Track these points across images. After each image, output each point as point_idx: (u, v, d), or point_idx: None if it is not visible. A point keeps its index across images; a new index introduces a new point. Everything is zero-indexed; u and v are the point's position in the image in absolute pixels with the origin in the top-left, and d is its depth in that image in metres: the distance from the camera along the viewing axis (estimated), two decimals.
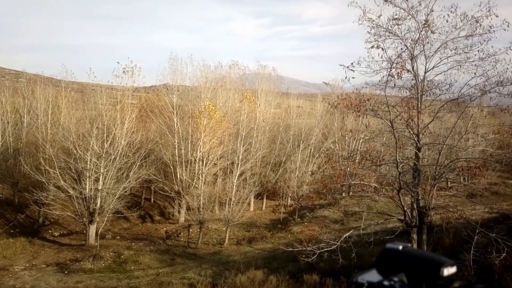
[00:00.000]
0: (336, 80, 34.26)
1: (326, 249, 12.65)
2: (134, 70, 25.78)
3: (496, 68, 12.02)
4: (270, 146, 34.06)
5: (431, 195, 12.08)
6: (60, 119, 27.13)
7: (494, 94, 13.07)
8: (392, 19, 12.33)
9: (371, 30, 12.44)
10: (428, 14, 12.29)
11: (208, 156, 27.28)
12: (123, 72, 25.43)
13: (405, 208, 12.59)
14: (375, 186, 12.69)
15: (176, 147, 28.15)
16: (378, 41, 12.35)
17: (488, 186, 32.92)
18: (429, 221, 12.91)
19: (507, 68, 11.88)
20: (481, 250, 12.28)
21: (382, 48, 12.33)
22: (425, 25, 12.30)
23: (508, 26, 11.89)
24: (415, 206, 12.51)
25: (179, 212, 29.63)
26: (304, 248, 13.09)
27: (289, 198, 32.04)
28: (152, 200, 33.22)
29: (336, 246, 12.48)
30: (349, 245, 12.32)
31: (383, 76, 12.51)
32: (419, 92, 12.61)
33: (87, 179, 22.80)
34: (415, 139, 12.50)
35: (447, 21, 12.18)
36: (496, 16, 11.85)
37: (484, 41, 12.11)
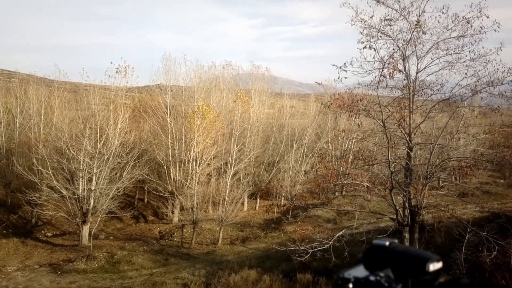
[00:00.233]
0: (329, 80, 34.44)
1: (319, 248, 12.71)
2: (127, 70, 25.75)
3: (487, 68, 12.16)
4: (263, 146, 34.10)
5: (423, 194, 12.18)
6: (53, 119, 26.99)
7: (485, 94, 13.21)
8: (384, 20, 12.43)
9: (363, 30, 12.54)
10: (419, 15, 12.41)
11: (202, 156, 27.27)
12: (116, 72, 25.39)
13: (397, 207, 12.69)
14: (368, 186, 12.78)
15: (170, 147, 28.11)
16: (370, 41, 12.45)
17: (479, 185, 33.16)
18: (421, 220, 13.02)
19: (498, 69, 12.01)
20: (472, 248, 12.40)
21: (374, 48, 12.43)
22: (417, 26, 12.40)
23: (498, 27, 12.02)
24: (407, 205, 12.61)
25: (172, 212, 29.59)
26: (297, 248, 13.15)
27: (283, 198, 32.11)
28: (146, 200, 33.14)
29: (329, 245, 12.55)
30: (342, 244, 12.39)
31: (375, 76, 12.62)
32: (411, 92, 12.71)
33: (80, 179, 22.72)
34: (407, 139, 12.60)
35: (438, 22, 12.31)
36: (487, 17, 11.98)
37: (475, 41, 12.25)
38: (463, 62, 12.44)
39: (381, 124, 12.49)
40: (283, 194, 31.76)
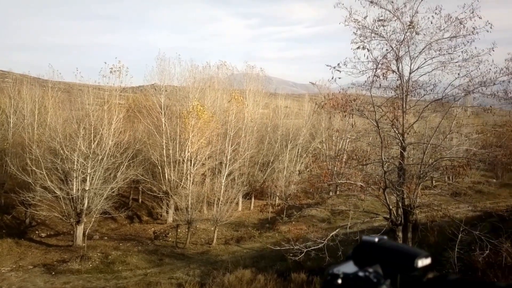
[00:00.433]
0: (323, 80, 34.50)
1: (313, 248, 12.76)
2: (122, 70, 25.68)
3: (479, 68, 12.26)
4: (258, 146, 34.13)
5: (416, 194, 12.27)
6: (47, 119, 26.89)
7: (477, 94, 13.33)
8: (378, 21, 12.50)
9: (357, 31, 12.61)
10: (413, 16, 12.49)
11: (196, 156, 27.26)
12: (110, 72, 25.31)
13: (391, 207, 12.76)
14: (361, 185, 12.84)
15: (164, 147, 28.08)
16: (364, 42, 12.52)
17: (472, 184, 33.36)
18: (414, 219, 13.11)
19: (490, 69, 12.12)
20: (465, 247, 12.48)
21: (367, 49, 12.51)
22: (410, 27, 12.48)
23: (491, 28, 12.12)
24: (400, 204, 12.69)
25: (167, 212, 29.56)
26: (292, 247, 13.19)
27: (277, 198, 32.16)
28: (140, 200, 33.07)
29: (323, 244, 12.60)
30: (336, 244, 12.44)
31: (369, 77, 12.69)
32: (404, 92, 12.80)
33: (74, 179, 22.65)
34: (400, 139, 12.68)
35: (431, 23, 12.40)
36: (479, 17, 12.08)
37: (468, 42, 12.35)
38: (456, 62, 12.55)
39: (375, 124, 12.56)
40: (278, 194, 31.81)
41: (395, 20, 12.60)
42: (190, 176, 26.67)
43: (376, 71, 12.46)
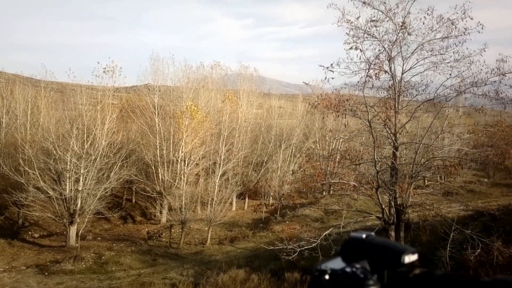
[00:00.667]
0: (316, 80, 34.55)
1: (306, 247, 12.80)
2: (115, 70, 25.57)
3: (471, 69, 12.34)
4: (252, 146, 34.13)
5: (408, 193, 12.36)
6: (40, 119, 26.71)
7: (469, 94, 13.43)
8: (370, 21, 12.56)
9: (350, 31, 12.66)
10: (405, 16, 12.56)
11: (190, 156, 27.22)
12: (104, 72, 25.18)
13: (383, 206, 12.83)
14: (354, 185, 12.90)
15: (158, 147, 28.00)
16: (356, 42, 12.58)
17: (464, 184, 33.55)
18: (406, 218, 13.19)
19: (481, 69, 12.20)
20: (457, 246, 12.56)
21: (360, 49, 12.56)
22: (402, 27, 12.56)
23: (482, 29, 12.21)
24: (392, 204, 12.76)
25: (160, 212, 29.49)
26: (285, 247, 13.22)
27: (271, 198, 32.19)
28: (134, 200, 32.95)
29: (316, 244, 12.64)
30: (329, 243, 12.48)
31: (362, 77, 12.75)
32: (397, 92, 12.87)
33: (67, 180, 22.55)
34: (393, 139, 12.75)
35: (423, 23, 12.48)
36: (471, 18, 12.16)
37: (460, 42, 12.43)
38: (448, 63, 12.63)
39: (367, 124, 12.63)
40: (271, 194, 31.85)
41: (387, 21, 12.67)
42: (183, 176, 26.63)
43: (368, 71, 12.53)
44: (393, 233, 12.46)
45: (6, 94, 29.13)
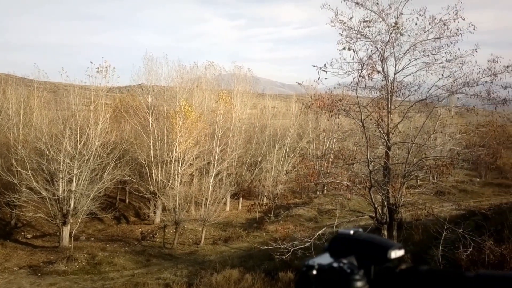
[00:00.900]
0: (310, 80, 34.62)
1: (300, 247, 12.83)
2: (108, 70, 25.50)
3: (463, 69, 12.41)
4: (246, 146, 34.14)
5: (401, 193, 12.42)
6: (32, 119, 26.55)
7: (461, 94, 13.52)
8: (363, 22, 12.60)
9: (343, 32, 12.70)
10: (397, 17, 12.61)
11: (184, 156, 27.19)
12: (97, 72, 25.11)
13: (376, 206, 12.88)
14: (348, 185, 12.95)
15: (152, 147, 27.94)
16: (349, 43, 12.62)
17: (456, 183, 33.75)
18: (399, 218, 13.26)
19: (473, 70, 12.27)
20: (449, 245, 12.63)
21: (353, 50, 12.60)
22: (395, 28, 12.61)
23: (474, 29, 12.28)
24: (385, 203, 12.82)
25: (154, 212, 29.42)
26: (279, 246, 13.25)
27: (265, 198, 32.22)
28: (127, 201, 32.85)
29: (310, 243, 12.67)
30: (323, 242, 12.52)
31: (355, 77, 12.79)
32: (389, 92, 12.93)
33: (60, 180, 22.46)
34: (385, 139, 12.81)
35: (416, 24, 12.54)
36: (463, 19, 12.23)
37: (452, 43, 12.50)
38: (440, 63, 12.69)
39: (360, 124, 12.67)
40: (265, 194, 31.87)
41: (380, 22, 12.71)
42: (177, 176, 26.60)
43: (361, 71, 12.58)
44: (386, 232, 12.52)
45: None
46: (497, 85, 12.26)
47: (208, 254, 22.67)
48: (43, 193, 22.05)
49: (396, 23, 12.56)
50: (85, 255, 20.82)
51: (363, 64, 12.56)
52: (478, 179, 39.71)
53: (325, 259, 1.09)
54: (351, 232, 1.16)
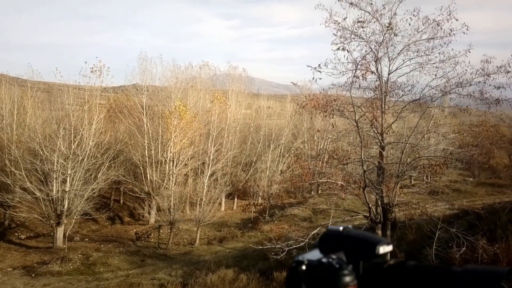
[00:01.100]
0: (304, 81, 34.59)
1: (295, 246, 12.85)
2: (102, 70, 25.43)
3: (456, 70, 12.47)
4: (241, 147, 34.17)
5: (395, 192, 12.46)
6: (26, 119, 26.45)
7: (454, 95, 13.59)
8: (357, 22, 12.63)
9: (337, 32, 12.72)
10: (391, 18, 12.64)
11: (179, 156, 27.17)
12: (91, 71, 25.05)
13: (370, 205, 12.93)
14: (342, 184, 12.98)
15: (146, 147, 27.90)
16: (344, 43, 12.64)
17: (449, 183, 33.88)
18: (393, 217, 13.30)
19: (466, 70, 12.33)
20: (442, 244, 12.67)
21: (347, 50, 12.62)
22: (389, 28, 12.65)
23: (467, 30, 12.35)
24: (379, 203, 12.87)
25: (149, 213, 29.36)
26: (274, 246, 13.26)
27: (260, 197, 32.25)
28: (122, 201, 32.75)
29: (304, 243, 12.70)
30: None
31: (349, 77, 12.81)
32: (383, 93, 12.97)
33: (54, 180, 22.38)
34: (379, 138, 12.85)
35: (409, 25, 12.58)
36: (456, 20, 12.27)
37: (445, 43, 12.55)
38: (433, 63, 12.73)
39: (355, 124, 12.71)
40: (260, 194, 31.90)
41: (374, 22, 12.75)
42: (172, 176, 26.58)
43: (355, 72, 12.61)
44: (379, 232, 12.57)
45: None
46: (490, 85, 12.33)
47: (203, 254, 22.66)
48: (37, 193, 21.97)
49: (390, 24, 12.60)
50: (79, 255, 20.75)
51: (357, 64, 12.60)
52: (471, 179, 39.94)
53: (314, 255, 1.10)
54: (341, 228, 1.18)
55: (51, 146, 22.30)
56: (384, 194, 12.49)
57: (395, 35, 12.79)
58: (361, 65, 12.58)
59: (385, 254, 1.10)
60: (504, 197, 23.32)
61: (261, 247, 14.50)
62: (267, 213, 29.11)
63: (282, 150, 34.78)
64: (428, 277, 1.03)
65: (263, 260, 17.73)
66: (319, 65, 12.57)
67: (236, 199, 34.42)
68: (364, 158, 12.61)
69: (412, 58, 12.91)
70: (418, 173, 15.30)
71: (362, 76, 12.64)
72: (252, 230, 27.17)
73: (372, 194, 13.27)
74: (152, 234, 26.56)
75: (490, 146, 17.21)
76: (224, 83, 39.92)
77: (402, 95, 13.40)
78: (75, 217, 23.18)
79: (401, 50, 12.87)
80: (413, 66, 12.96)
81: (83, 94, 24.85)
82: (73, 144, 22.69)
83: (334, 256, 1.07)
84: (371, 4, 12.62)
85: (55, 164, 22.17)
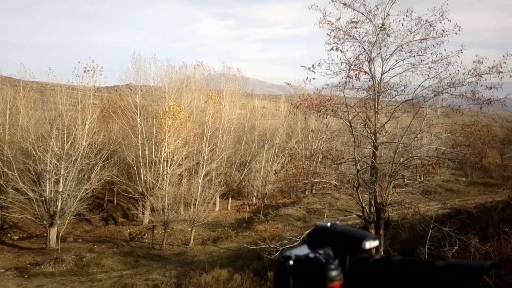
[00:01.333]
0: (298, 81, 34.66)
1: (288, 246, 12.86)
2: (96, 70, 25.33)
3: (448, 70, 12.53)
4: (235, 147, 34.19)
5: (388, 192, 12.51)
6: (19, 119, 26.29)
7: (446, 95, 13.66)
8: (351, 22, 12.69)
9: (330, 33, 12.76)
10: (384, 18, 12.70)
11: (173, 156, 27.13)
12: (84, 71, 24.93)
13: (364, 205, 12.99)
14: (336, 184, 13.03)
15: (140, 147, 27.84)
16: (337, 43, 12.68)
17: (442, 183, 34.08)
18: (386, 217, 13.36)
19: (458, 70, 12.40)
20: (435, 244, 12.77)
21: (341, 50, 12.67)
22: (382, 29, 12.72)
23: (459, 30, 12.44)
24: (372, 202, 12.93)
25: (143, 213, 29.29)
26: (268, 246, 13.28)
27: (254, 197, 32.28)
28: (115, 202, 32.65)
29: (298, 242, 12.73)
30: None
31: (342, 78, 12.85)
32: (376, 93, 13.03)
33: (47, 181, 22.28)
34: (373, 138, 12.91)
35: (402, 25, 12.64)
36: (448, 20, 12.35)
37: (437, 44, 12.61)
38: (426, 64, 12.79)
39: (348, 124, 12.76)
40: (255, 194, 31.94)
41: (367, 22, 12.80)
42: (166, 176, 26.53)
43: (349, 72, 12.65)
44: (373, 231, 12.61)
45: None
46: (482, 85, 12.41)
47: (197, 254, 22.65)
48: (29, 194, 21.86)
49: (383, 24, 12.66)
50: (73, 256, 20.67)
51: (351, 64, 12.65)
52: (463, 179, 40.23)
53: (302, 250, 1.13)
54: (328, 224, 1.21)
55: (44, 146, 22.21)
56: (377, 194, 12.54)
57: (388, 35, 12.85)
58: (354, 65, 12.63)
59: (371, 249, 1.13)
60: (496, 197, 23.46)
61: (255, 247, 14.52)
62: (261, 213, 29.16)
63: (276, 150, 34.84)
64: (412, 271, 1.06)
65: (257, 260, 17.76)
66: (313, 65, 12.62)
67: (230, 199, 34.43)
68: (357, 158, 12.67)
69: (405, 59, 12.98)
70: (411, 172, 15.39)
71: (356, 76, 12.70)
72: (246, 230, 27.18)
73: (365, 193, 13.33)
74: (146, 235, 26.50)
75: (482, 146, 17.37)
76: (218, 83, 39.92)
77: (395, 95, 13.46)
78: (68, 217, 23.09)
79: (394, 51, 12.94)
80: (406, 67, 13.03)
81: (76, 94, 24.76)
82: (66, 144, 22.61)
83: (321, 251, 1.09)
84: (365, 4, 12.68)
85: (48, 164, 22.08)
